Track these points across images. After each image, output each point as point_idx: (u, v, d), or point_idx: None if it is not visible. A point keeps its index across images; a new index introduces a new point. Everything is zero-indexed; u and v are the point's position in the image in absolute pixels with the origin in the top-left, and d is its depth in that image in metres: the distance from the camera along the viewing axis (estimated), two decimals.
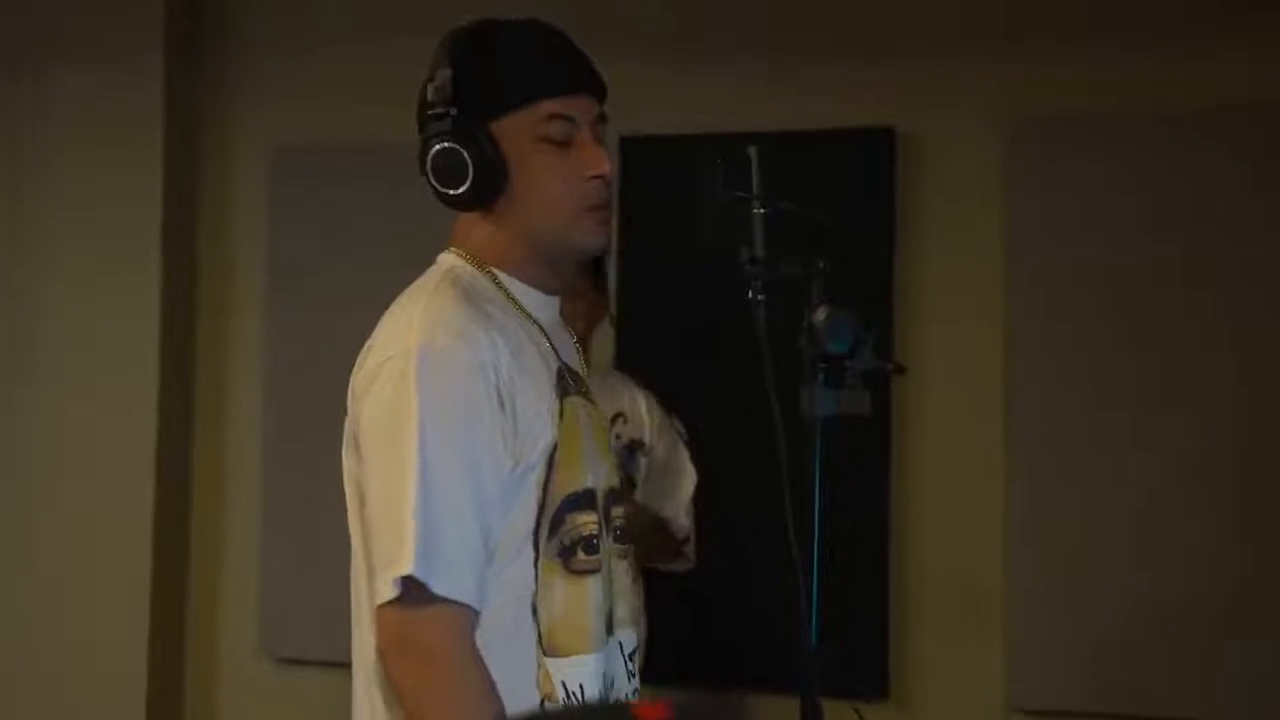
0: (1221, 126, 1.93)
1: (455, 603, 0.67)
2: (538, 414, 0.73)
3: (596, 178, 0.76)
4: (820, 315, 0.78)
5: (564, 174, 0.76)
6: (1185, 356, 1.90)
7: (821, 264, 0.80)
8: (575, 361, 0.85)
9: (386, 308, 0.79)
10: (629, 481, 1.62)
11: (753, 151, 0.80)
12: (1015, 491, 1.98)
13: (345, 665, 0.81)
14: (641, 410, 1.74)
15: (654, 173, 1.95)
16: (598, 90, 0.79)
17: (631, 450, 1.71)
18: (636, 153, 1.98)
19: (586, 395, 0.83)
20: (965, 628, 2.01)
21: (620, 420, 1.69)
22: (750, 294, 0.77)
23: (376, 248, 2.13)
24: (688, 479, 1.73)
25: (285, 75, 2.40)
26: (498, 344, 0.72)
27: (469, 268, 0.79)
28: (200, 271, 2.50)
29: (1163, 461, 1.90)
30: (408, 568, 0.65)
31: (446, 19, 0.84)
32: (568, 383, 0.79)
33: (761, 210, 0.79)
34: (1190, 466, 1.88)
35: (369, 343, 0.77)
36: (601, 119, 0.79)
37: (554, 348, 0.80)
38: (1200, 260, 1.94)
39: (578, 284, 1.55)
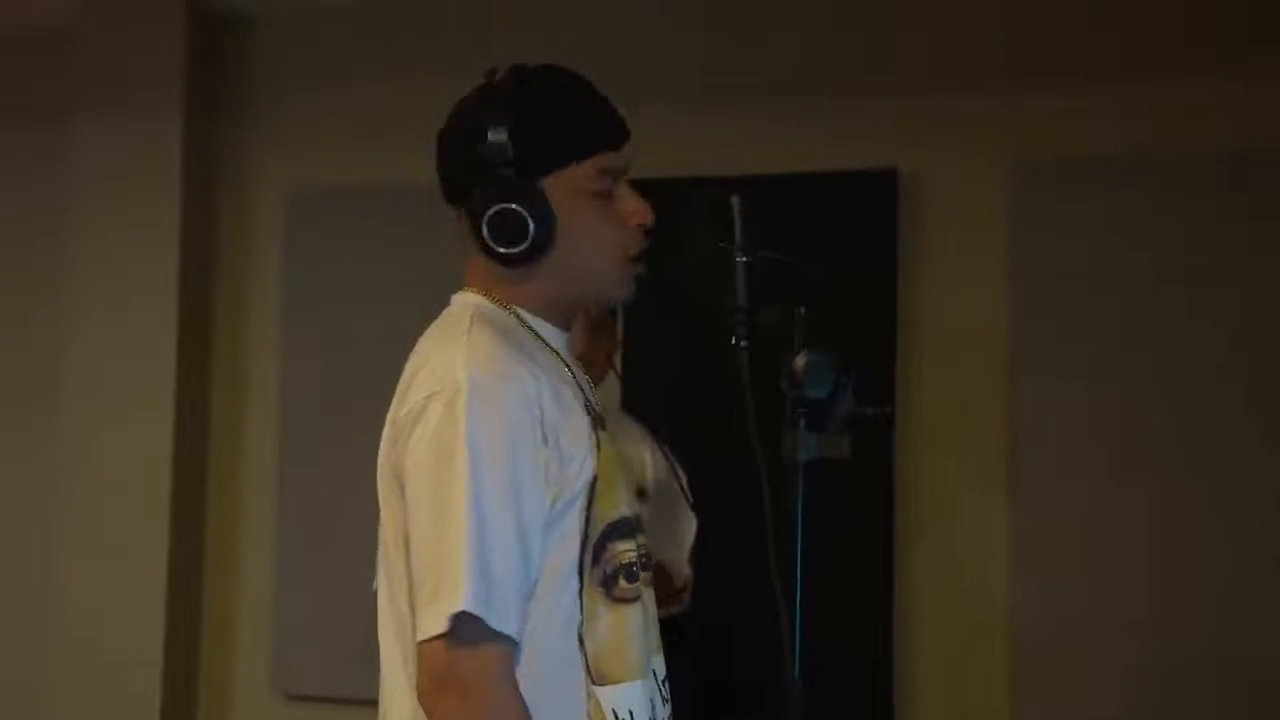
0: (1224, 168, 1.93)
1: (502, 637, 0.67)
2: (579, 448, 0.74)
3: (641, 227, 0.78)
4: (800, 361, 0.80)
5: (613, 226, 0.78)
6: (1191, 392, 1.88)
7: (802, 310, 0.82)
8: (593, 396, 0.86)
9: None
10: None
11: (735, 200, 0.83)
12: (1019, 528, 1.96)
13: (355, 702, 0.82)
14: (646, 455, 1.73)
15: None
16: (628, 139, 0.81)
17: (636, 495, 1.69)
18: None
19: (606, 428, 0.83)
20: (969, 668, 1.98)
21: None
22: (734, 340, 0.80)
23: (387, 289, 2.19)
24: (688, 525, 1.71)
25: (300, 123, 2.46)
26: (540, 380, 0.72)
27: (493, 306, 0.79)
28: (216, 314, 2.54)
29: (1168, 498, 1.87)
30: (462, 603, 0.65)
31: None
32: (596, 416, 0.80)
33: (743, 259, 0.82)
34: (1198, 504, 1.85)
35: (406, 380, 0.77)
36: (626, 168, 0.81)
37: (577, 381, 0.81)
38: (1204, 298, 1.93)
39: (603, 318, 1.58)
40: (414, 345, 0.79)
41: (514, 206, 0.73)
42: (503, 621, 0.66)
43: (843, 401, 0.82)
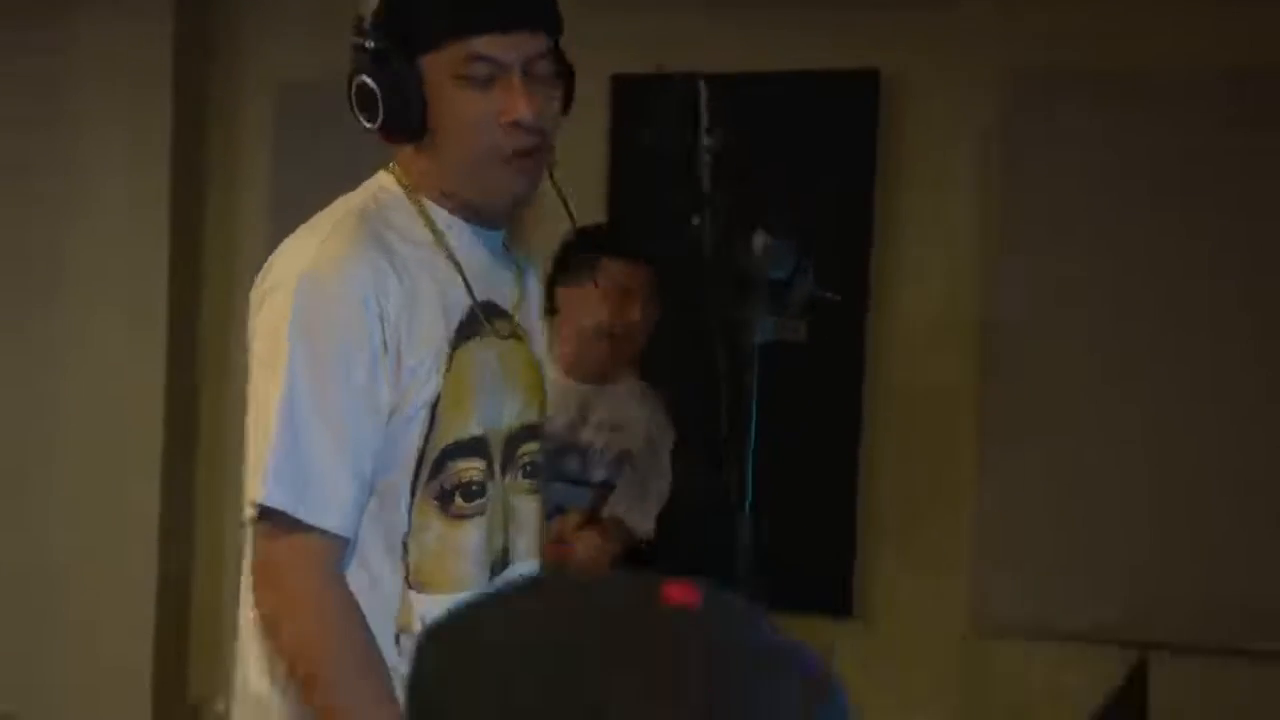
0: (1222, 85, 1.90)
1: (317, 530, 0.69)
2: (421, 364, 0.74)
3: (513, 124, 0.72)
4: (759, 241, 0.82)
5: (479, 118, 0.73)
6: (1168, 303, 1.93)
7: (765, 194, 0.84)
8: (505, 296, 0.82)
9: None
10: (607, 486, 1.63)
11: (701, 85, 0.83)
12: (988, 415, 2.02)
13: None
14: (639, 427, 1.69)
15: (634, 112, 1.93)
16: (542, 26, 0.75)
17: (620, 460, 1.69)
18: (624, 91, 2.00)
19: (508, 334, 0.81)
20: (932, 550, 2.09)
21: (616, 430, 1.67)
22: (693, 220, 0.81)
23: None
24: (661, 488, 1.69)
25: (291, 12, 2.42)
26: (388, 286, 0.72)
27: (397, 193, 0.79)
28: (208, 202, 2.57)
29: (1142, 392, 1.94)
30: (263, 497, 0.68)
31: None
32: (477, 325, 0.77)
33: (708, 142, 0.83)
34: (1169, 399, 1.92)
35: (271, 258, 0.77)
36: (549, 57, 0.75)
37: (468, 285, 0.77)
38: (1191, 216, 1.93)
39: (629, 283, 1.46)
40: None
41: (365, 78, 0.73)
42: (318, 515, 0.68)
43: (802, 285, 0.85)
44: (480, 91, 0.73)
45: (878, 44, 2.06)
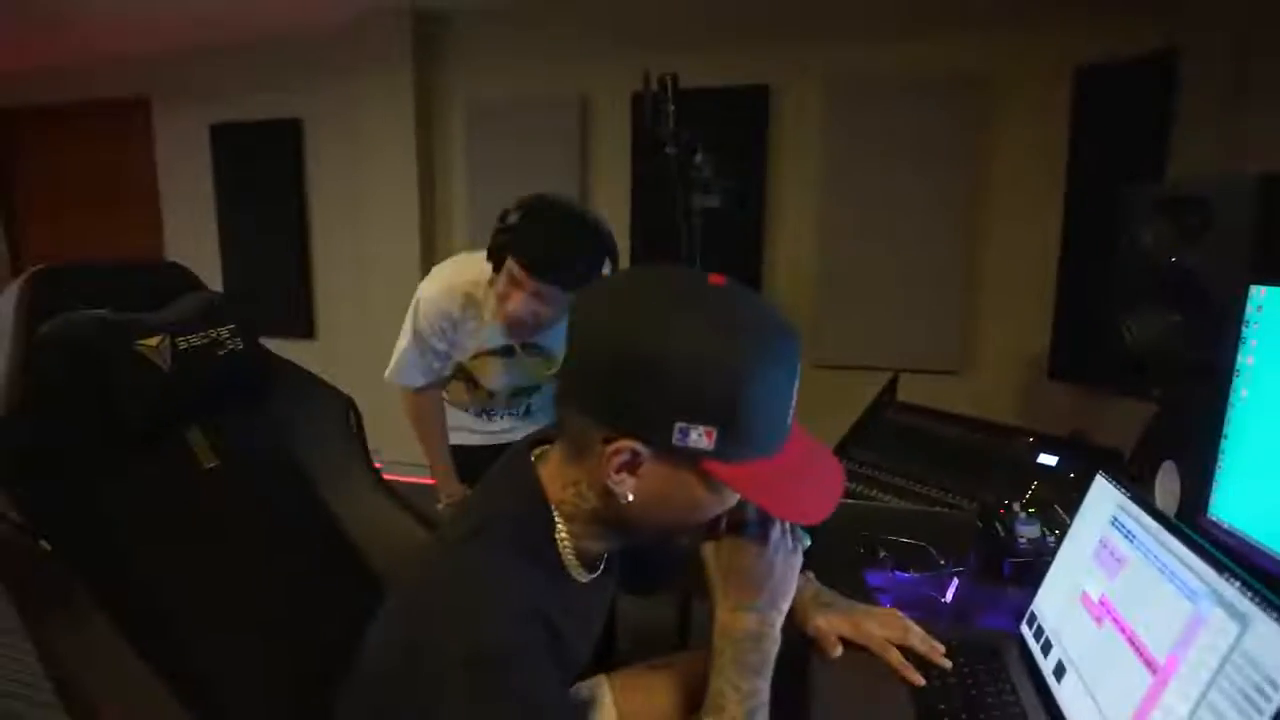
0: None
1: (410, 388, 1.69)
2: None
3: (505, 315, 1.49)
4: (698, 158, 1.73)
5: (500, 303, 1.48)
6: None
7: (701, 134, 1.74)
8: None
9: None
10: None
11: (670, 81, 1.68)
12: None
13: None
14: None
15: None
16: (538, 273, 1.40)
17: None
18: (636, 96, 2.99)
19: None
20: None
21: None
22: (666, 149, 1.71)
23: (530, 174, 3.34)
24: None
25: (479, 52, 3.63)
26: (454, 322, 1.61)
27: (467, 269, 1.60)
28: (437, 178, 3.84)
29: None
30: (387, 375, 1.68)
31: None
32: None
33: (672, 107, 1.70)
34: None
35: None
36: None
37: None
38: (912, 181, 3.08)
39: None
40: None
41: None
42: (407, 381, 1.69)
43: (718, 180, 1.76)
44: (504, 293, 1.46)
45: (769, 68, 3.23)
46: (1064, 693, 0.80)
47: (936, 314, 3.15)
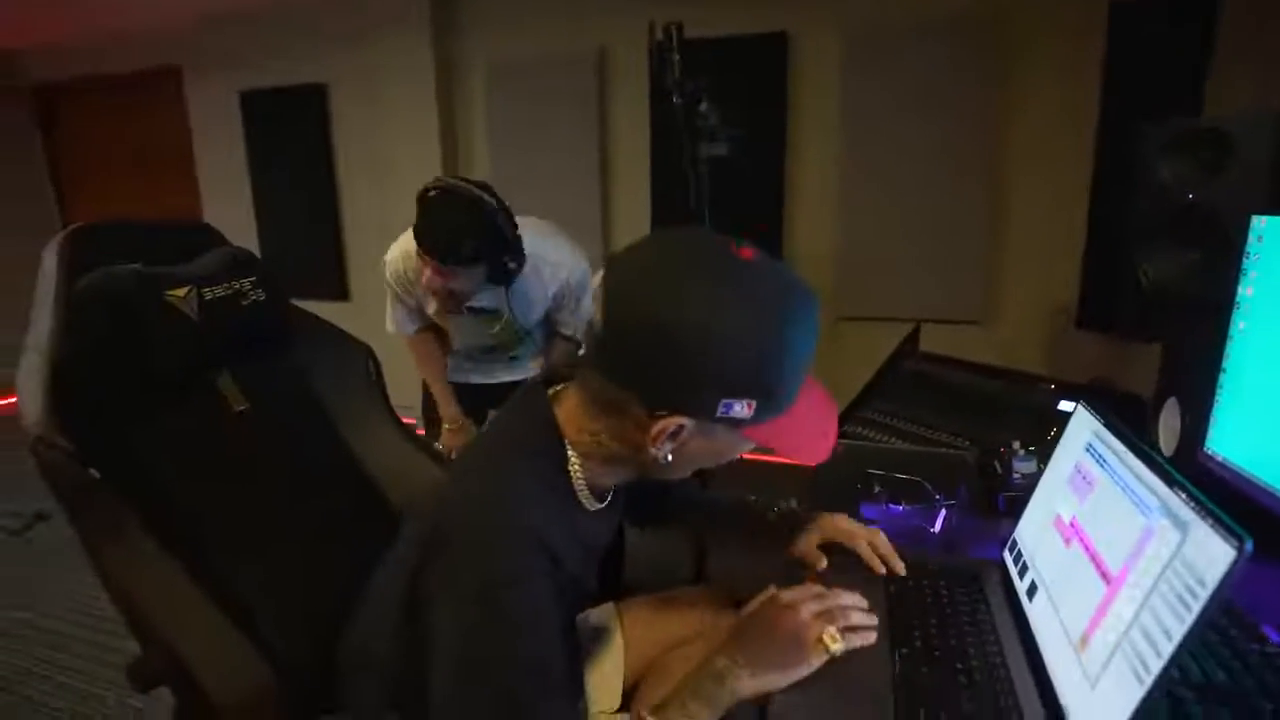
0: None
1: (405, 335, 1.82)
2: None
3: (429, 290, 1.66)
4: (704, 107, 1.73)
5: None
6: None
7: (705, 81, 1.73)
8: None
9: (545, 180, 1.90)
10: None
11: (674, 31, 1.67)
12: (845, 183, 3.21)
13: None
14: None
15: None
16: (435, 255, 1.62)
17: None
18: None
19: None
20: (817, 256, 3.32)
21: None
22: (675, 99, 1.71)
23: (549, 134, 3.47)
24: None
25: (496, 11, 3.63)
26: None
27: None
28: (458, 134, 3.89)
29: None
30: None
31: None
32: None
33: (678, 57, 1.70)
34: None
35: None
36: None
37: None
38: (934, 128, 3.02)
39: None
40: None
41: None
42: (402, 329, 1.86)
43: (723, 129, 1.77)
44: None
45: (786, 14, 3.13)
46: (1034, 611, 0.84)
47: (960, 263, 3.11)
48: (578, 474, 0.81)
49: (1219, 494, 0.99)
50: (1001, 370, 2.15)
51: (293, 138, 4.19)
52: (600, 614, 1.17)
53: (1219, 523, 0.58)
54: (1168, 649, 0.58)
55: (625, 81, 3.44)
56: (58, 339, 1.01)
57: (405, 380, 1.93)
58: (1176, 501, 0.64)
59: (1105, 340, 2.86)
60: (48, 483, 0.94)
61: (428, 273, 1.59)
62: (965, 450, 1.49)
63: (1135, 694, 0.59)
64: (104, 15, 4.12)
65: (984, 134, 2.97)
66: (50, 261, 1.07)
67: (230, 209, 4.41)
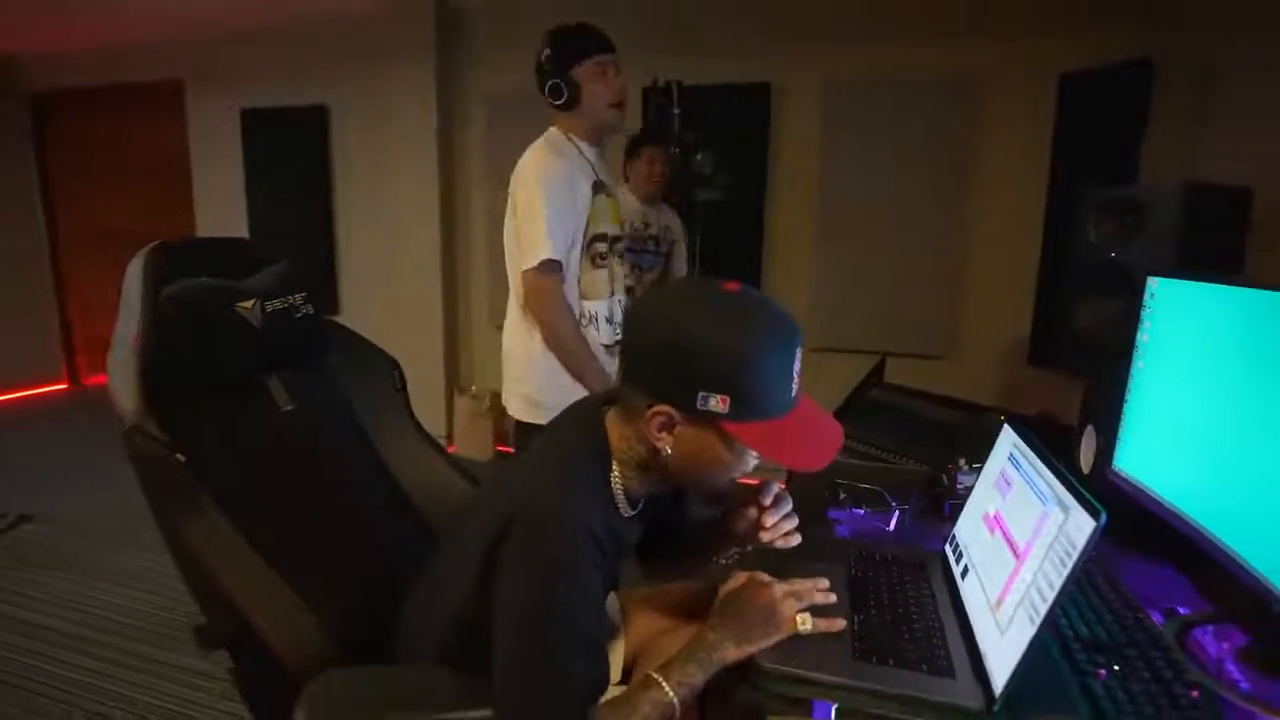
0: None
1: (559, 264, 1.71)
2: (583, 204, 1.74)
3: (611, 100, 1.75)
4: (699, 157, 1.95)
5: (603, 93, 1.73)
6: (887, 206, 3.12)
7: (702, 135, 1.96)
8: (604, 175, 1.84)
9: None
10: (666, 256, 2.81)
11: (674, 87, 1.90)
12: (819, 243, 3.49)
13: None
14: (675, 226, 2.80)
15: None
16: (610, 51, 1.74)
17: (671, 242, 2.83)
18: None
19: (610, 193, 1.85)
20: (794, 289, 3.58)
21: (666, 229, 2.81)
22: (672, 149, 1.93)
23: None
24: (681, 263, 2.84)
25: (498, 46, 3.89)
26: (570, 170, 1.73)
27: (558, 133, 1.79)
28: (456, 165, 4.10)
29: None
30: (545, 254, 1.68)
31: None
32: (598, 187, 1.81)
33: (677, 111, 1.92)
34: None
35: (518, 166, 1.76)
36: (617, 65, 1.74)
37: (595, 171, 1.80)
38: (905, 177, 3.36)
39: (654, 156, 2.59)
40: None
41: (557, 81, 1.74)
42: (553, 260, 1.70)
43: (717, 176, 2.00)
44: (599, 82, 1.70)
45: (771, 67, 3.41)
46: (966, 588, 1.05)
47: (925, 302, 3.39)
48: (616, 482, 0.99)
49: (1125, 504, 1.22)
50: (958, 401, 2.39)
51: (292, 157, 4.35)
52: (607, 601, 1.35)
53: (1086, 504, 0.79)
54: (1051, 596, 0.79)
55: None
56: (146, 340, 1.17)
57: (423, 397, 2.05)
58: (1063, 491, 0.86)
59: (1054, 376, 3.14)
60: (137, 467, 1.10)
61: (612, 78, 1.72)
62: (920, 469, 1.71)
63: (1029, 632, 0.80)
64: (108, 26, 4.25)
65: (950, 186, 3.27)
66: (135, 272, 1.23)
67: (224, 223, 4.54)
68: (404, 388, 1.63)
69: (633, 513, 1.04)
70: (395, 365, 1.63)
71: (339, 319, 4.32)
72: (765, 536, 1.05)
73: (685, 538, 1.25)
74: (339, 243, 4.40)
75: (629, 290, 1.94)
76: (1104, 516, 0.75)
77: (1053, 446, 1.02)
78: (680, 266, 2.88)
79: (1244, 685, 0.91)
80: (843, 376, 2.50)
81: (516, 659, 0.84)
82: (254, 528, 1.14)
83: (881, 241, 3.41)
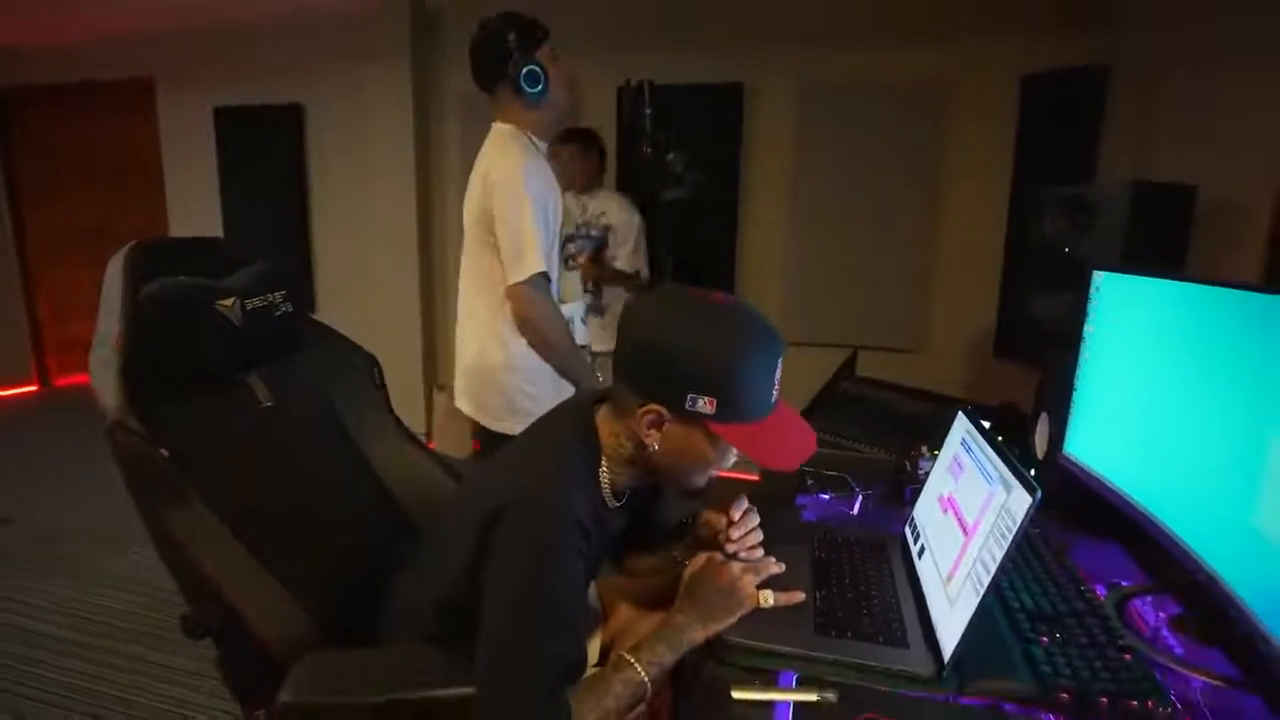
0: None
1: (544, 280, 1.68)
2: (558, 203, 1.71)
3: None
4: (671, 156, 1.99)
5: (564, 82, 1.69)
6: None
7: (675, 134, 2.00)
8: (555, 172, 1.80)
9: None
10: (600, 240, 2.85)
11: (646, 87, 1.94)
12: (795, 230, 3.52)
13: None
14: (613, 211, 2.86)
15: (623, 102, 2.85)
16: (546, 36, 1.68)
17: (605, 227, 2.89)
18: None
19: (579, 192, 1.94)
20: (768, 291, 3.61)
21: (600, 214, 2.89)
22: (644, 148, 1.97)
23: None
24: (638, 242, 2.84)
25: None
26: (549, 173, 1.70)
27: (519, 132, 1.71)
28: (431, 161, 4.08)
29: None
30: (535, 269, 1.63)
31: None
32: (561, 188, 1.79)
33: (649, 110, 1.96)
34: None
35: (484, 165, 1.70)
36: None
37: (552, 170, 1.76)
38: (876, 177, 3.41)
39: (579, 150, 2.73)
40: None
41: (533, 68, 1.65)
42: (542, 274, 1.66)
43: (688, 175, 2.05)
44: (556, 69, 1.64)
45: (744, 68, 3.47)
46: (922, 566, 1.11)
47: (895, 297, 3.47)
48: (604, 475, 1.04)
49: (1075, 487, 1.29)
50: (925, 392, 2.47)
51: (266, 156, 4.32)
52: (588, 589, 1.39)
53: (1024, 482, 0.85)
54: (993, 568, 0.85)
55: (595, 120, 3.73)
56: (127, 339, 1.19)
57: (401, 394, 2.06)
58: (1006, 472, 0.92)
59: (1016, 367, 3.23)
60: (120, 462, 1.12)
61: (562, 66, 1.65)
62: (888, 457, 1.78)
63: (974, 601, 0.86)
64: (74, 21, 4.19)
65: (919, 184, 3.36)
66: (115, 270, 1.25)
67: (197, 223, 4.50)
68: (383, 384, 1.66)
69: (618, 504, 1.09)
70: (374, 362, 1.66)
71: (314, 315, 4.35)
72: (731, 548, 1.09)
73: (659, 538, 1.30)
74: (315, 241, 4.39)
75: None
76: (1039, 494, 0.81)
77: (1012, 434, 1.08)
78: (630, 256, 2.88)
79: (1178, 650, 0.97)
80: (816, 370, 2.56)
81: (502, 638, 0.89)
82: (238, 521, 1.16)
83: (854, 239, 3.49)
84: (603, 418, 1.05)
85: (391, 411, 1.63)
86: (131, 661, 2.23)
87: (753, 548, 1.10)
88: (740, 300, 0.97)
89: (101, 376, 1.17)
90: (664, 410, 0.94)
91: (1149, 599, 1.09)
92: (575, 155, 2.81)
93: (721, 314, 0.93)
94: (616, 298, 2.91)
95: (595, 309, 2.89)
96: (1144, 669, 0.88)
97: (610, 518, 1.07)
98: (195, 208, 4.54)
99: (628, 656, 0.95)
